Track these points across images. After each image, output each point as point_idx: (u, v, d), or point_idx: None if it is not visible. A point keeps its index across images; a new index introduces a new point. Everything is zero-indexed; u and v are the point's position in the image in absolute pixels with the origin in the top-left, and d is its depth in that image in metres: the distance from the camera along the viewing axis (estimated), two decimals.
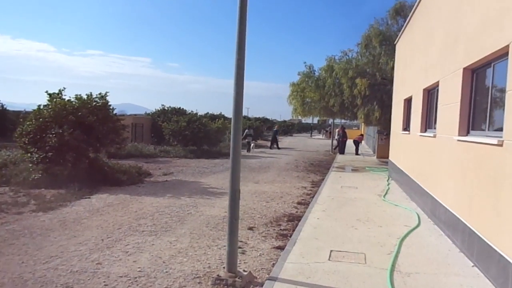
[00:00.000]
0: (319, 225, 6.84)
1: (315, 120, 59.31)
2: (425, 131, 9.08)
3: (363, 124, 39.13)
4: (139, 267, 4.90)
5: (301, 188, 11.70)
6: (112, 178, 11.81)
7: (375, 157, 22.46)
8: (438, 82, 7.51)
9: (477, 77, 5.73)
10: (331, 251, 5.39)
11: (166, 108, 30.03)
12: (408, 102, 11.98)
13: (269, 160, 20.18)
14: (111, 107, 12.30)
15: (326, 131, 53.98)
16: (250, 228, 6.87)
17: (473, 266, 4.87)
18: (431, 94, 8.88)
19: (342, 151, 24.55)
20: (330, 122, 35.24)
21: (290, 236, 6.26)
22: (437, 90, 7.74)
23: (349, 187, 11.43)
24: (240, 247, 5.71)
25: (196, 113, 24.32)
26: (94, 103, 11.71)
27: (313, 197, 9.99)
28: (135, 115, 35.57)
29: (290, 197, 10.14)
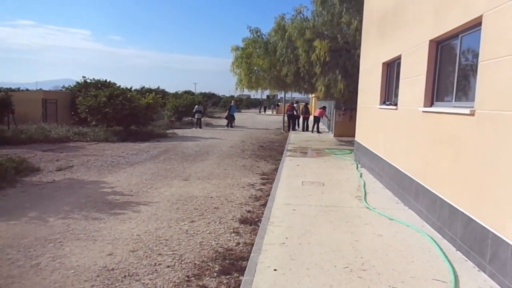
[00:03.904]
0: None
1: (264, 96, 55.88)
2: (431, 105, 5.98)
3: (313, 99, 36.22)
4: None
5: (247, 186, 8.35)
6: None
7: (332, 135, 19.80)
8: (480, 17, 4.30)
9: None
10: None
11: (88, 81, 25.07)
12: (389, 66, 8.88)
13: (210, 142, 16.58)
14: None
15: (277, 105, 51.58)
16: None
17: None
18: (444, 49, 5.73)
19: (304, 129, 22.96)
20: (279, 97, 32.16)
21: None
22: (472, 36, 4.56)
23: (313, 183, 8.25)
24: None
25: (119, 86, 19.88)
26: None
27: (264, 205, 6.68)
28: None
29: (230, 206, 6.74)
